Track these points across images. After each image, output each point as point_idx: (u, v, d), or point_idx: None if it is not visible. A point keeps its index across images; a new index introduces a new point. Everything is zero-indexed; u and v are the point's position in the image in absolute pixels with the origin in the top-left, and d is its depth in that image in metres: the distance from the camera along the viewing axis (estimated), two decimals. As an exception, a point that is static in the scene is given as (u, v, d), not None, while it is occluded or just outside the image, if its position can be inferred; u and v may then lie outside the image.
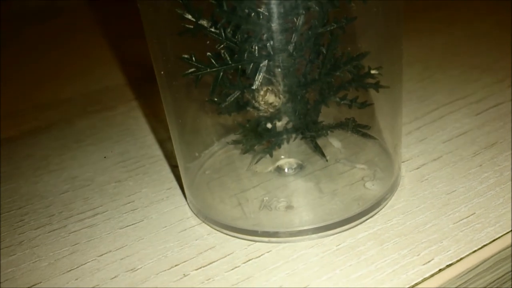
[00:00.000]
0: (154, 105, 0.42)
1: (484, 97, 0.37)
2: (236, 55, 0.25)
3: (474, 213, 0.26)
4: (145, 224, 0.29)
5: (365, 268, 0.24)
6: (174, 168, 0.33)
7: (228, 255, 0.26)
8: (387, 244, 0.25)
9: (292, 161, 0.30)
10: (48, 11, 0.71)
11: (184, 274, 0.25)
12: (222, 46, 0.25)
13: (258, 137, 0.27)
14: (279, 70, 0.25)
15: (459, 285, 0.24)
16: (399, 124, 0.29)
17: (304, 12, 0.24)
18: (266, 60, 0.24)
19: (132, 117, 0.41)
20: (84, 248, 0.27)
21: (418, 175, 0.30)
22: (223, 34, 0.24)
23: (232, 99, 0.26)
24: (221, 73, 0.25)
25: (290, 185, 0.29)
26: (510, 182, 0.28)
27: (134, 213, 0.30)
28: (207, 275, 0.25)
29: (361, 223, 0.26)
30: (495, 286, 0.26)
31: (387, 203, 0.28)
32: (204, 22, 0.24)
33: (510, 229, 0.25)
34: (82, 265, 0.26)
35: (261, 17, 0.23)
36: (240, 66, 0.25)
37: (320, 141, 0.28)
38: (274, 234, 0.26)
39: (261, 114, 0.26)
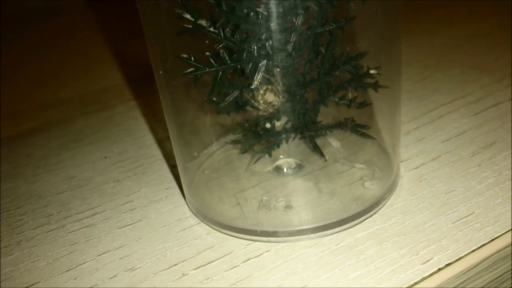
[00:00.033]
0: (153, 105, 0.42)
1: (482, 97, 0.37)
2: (235, 55, 0.25)
3: (473, 212, 0.26)
4: (144, 224, 0.29)
5: (364, 268, 0.24)
6: (173, 168, 0.33)
7: (227, 254, 0.26)
8: (386, 244, 0.25)
9: (291, 160, 0.30)
10: (47, 11, 0.71)
11: (183, 274, 0.25)
12: (221, 45, 0.24)
13: (257, 137, 0.27)
14: (278, 70, 0.25)
15: (458, 285, 0.24)
16: (398, 124, 0.29)
17: (303, 12, 0.24)
18: (265, 60, 0.24)
19: (131, 117, 0.41)
20: (82, 248, 0.27)
21: (417, 174, 0.30)
22: (222, 33, 0.24)
23: (231, 98, 0.26)
24: (220, 73, 0.25)
25: (289, 184, 0.29)
26: (508, 182, 0.28)
27: (133, 213, 0.30)
28: (206, 275, 0.25)
29: (360, 222, 0.26)
30: (494, 285, 0.26)
31: (386, 203, 0.28)
32: (203, 22, 0.24)
33: (509, 229, 0.25)
34: (80, 264, 0.26)
35: (260, 16, 0.23)
36: (239, 66, 0.25)
37: (319, 141, 0.28)
38: (273, 234, 0.26)
39: (260, 113, 0.26)
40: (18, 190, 0.33)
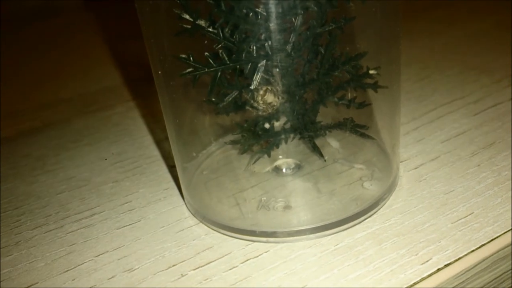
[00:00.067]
0: (152, 105, 0.42)
1: (482, 97, 0.37)
2: (234, 55, 0.24)
3: (472, 212, 0.26)
4: (142, 224, 0.29)
5: (363, 268, 0.24)
6: (172, 168, 0.33)
7: (226, 255, 0.26)
8: (385, 244, 0.25)
9: (290, 161, 0.30)
10: (47, 11, 0.71)
11: (181, 274, 0.25)
12: (220, 46, 0.24)
13: (256, 137, 0.27)
14: (277, 70, 0.25)
15: (457, 285, 0.24)
16: (397, 124, 0.29)
17: (302, 12, 0.24)
18: (264, 60, 0.24)
19: (130, 117, 0.41)
20: (81, 249, 0.27)
21: (416, 175, 0.30)
22: (221, 34, 0.24)
23: (230, 99, 0.26)
24: (219, 73, 0.25)
25: (288, 185, 0.29)
26: (508, 182, 0.28)
27: (132, 213, 0.30)
28: (204, 275, 0.25)
29: (359, 223, 0.26)
30: (493, 286, 0.26)
31: (385, 203, 0.28)
32: (202, 22, 0.24)
33: (508, 229, 0.25)
34: (79, 265, 0.26)
35: (259, 17, 0.23)
36: (238, 66, 0.25)
37: (318, 141, 0.28)
38: (272, 234, 0.26)
39: (259, 113, 0.26)
40: (17, 190, 0.33)
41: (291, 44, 0.24)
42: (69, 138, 0.39)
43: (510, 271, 0.26)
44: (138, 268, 0.25)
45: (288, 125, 0.27)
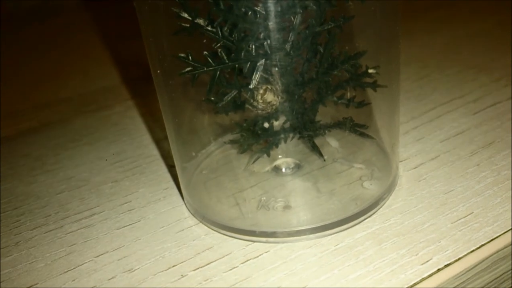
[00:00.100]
0: (151, 105, 0.42)
1: (481, 96, 0.37)
2: (233, 54, 0.24)
3: (472, 212, 0.26)
4: (142, 225, 0.29)
5: (364, 268, 0.24)
6: (171, 168, 0.33)
7: (226, 255, 0.26)
8: (385, 244, 0.25)
9: (290, 160, 0.30)
10: (47, 11, 0.71)
11: (181, 275, 0.25)
12: (219, 45, 0.24)
13: (256, 137, 0.27)
14: (276, 69, 0.25)
15: (457, 285, 0.24)
16: (396, 123, 0.29)
17: (301, 11, 0.23)
18: (263, 59, 0.24)
19: (129, 116, 0.41)
20: (81, 249, 0.27)
21: (416, 174, 0.30)
22: (219, 33, 0.24)
23: (229, 98, 0.26)
24: (218, 72, 0.25)
25: (287, 185, 0.29)
26: (508, 181, 0.28)
27: (131, 214, 0.30)
28: (205, 276, 0.24)
29: (359, 223, 0.26)
30: (493, 286, 0.26)
31: (385, 203, 0.27)
32: (200, 21, 0.24)
33: (508, 229, 0.25)
34: (79, 266, 0.26)
35: (258, 15, 0.23)
36: (237, 65, 0.25)
37: (317, 141, 0.28)
38: (272, 234, 0.26)
39: (259, 113, 0.26)
40: (16, 190, 0.33)
41: (290, 43, 0.24)
42: (68, 138, 0.39)
43: (510, 271, 0.26)
44: (138, 268, 0.25)
45: (287, 125, 0.27)
